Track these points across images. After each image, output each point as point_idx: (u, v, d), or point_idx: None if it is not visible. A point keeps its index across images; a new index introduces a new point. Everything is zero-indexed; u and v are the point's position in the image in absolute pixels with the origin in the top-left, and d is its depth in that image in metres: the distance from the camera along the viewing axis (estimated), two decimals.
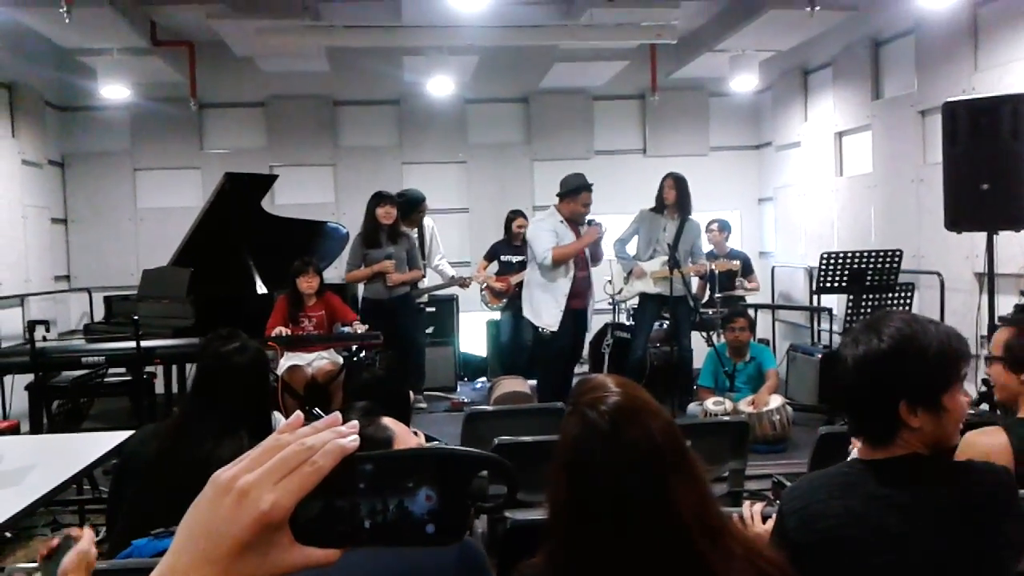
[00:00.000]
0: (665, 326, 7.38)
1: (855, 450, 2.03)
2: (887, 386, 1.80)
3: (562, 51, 8.40)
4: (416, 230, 7.62)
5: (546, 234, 6.38)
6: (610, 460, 1.42)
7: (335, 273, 7.62)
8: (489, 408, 6.04)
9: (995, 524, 1.77)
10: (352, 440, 0.73)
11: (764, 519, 2.20)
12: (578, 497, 1.44)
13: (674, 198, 6.76)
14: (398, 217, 6.98)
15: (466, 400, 7.70)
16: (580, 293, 6.45)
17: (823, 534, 1.78)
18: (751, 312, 7.63)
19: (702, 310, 7.31)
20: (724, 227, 8.36)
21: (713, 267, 7.35)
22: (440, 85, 8.47)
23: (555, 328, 6.38)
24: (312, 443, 0.72)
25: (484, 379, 8.48)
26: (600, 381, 1.53)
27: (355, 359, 6.20)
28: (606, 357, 7.31)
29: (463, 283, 7.70)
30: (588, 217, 6.47)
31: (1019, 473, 2.38)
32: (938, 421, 1.79)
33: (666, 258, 6.68)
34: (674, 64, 9.07)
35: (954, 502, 1.77)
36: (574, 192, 6.38)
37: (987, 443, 2.39)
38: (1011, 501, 1.80)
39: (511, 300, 7.89)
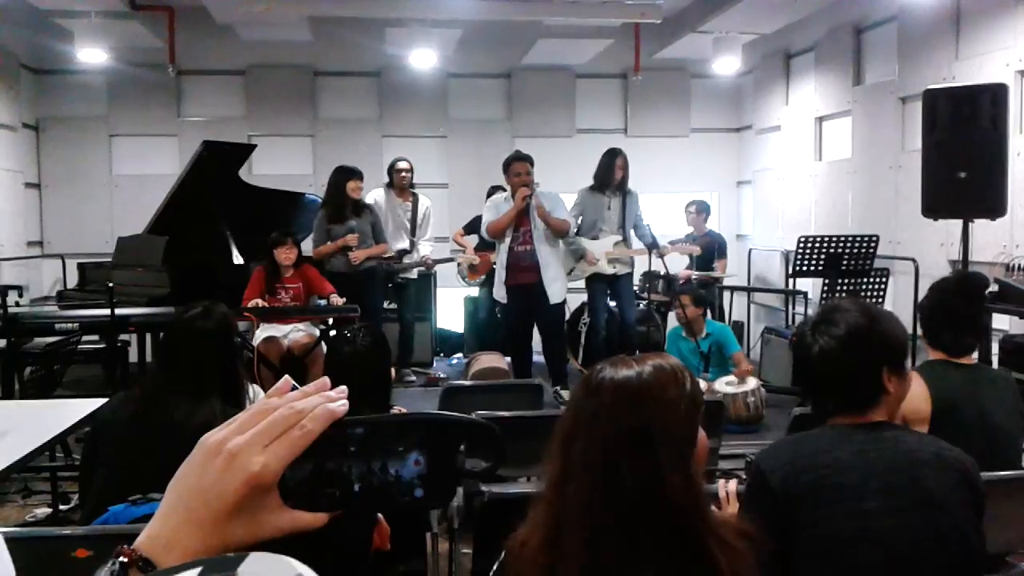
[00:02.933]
0: (641, 306, 7.40)
1: None
2: (874, 355, 2.01)
3: (546, 27, 8.36)
4: (410, 204, 7.59)
5: (487, 212, 6.62)
6: (605, 430, 1.45)
7: (309, 246, 7.56)
8: (467, 383, 6.04)
9: (960, 497, 1.91)
10: (342, 404, 0.73)
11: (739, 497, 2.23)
12: (570, 461, 1.46)
13: (622, 176, 6.80)
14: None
15: (442, 375, 7.70)
16: (525, 267, 6.41)
17: (813, 484, 1.90)
18: (727, 294, 7.67)
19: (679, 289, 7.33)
20: (702, 208, 8.36)
21: (674, 251, 7.40)
22: (422, 58, 8.41)
23: (502, 301, 6.57)
24: (301, 407, 0.73)
25: (460, 355, 8.48)
26: (627, 357, 1.52)
27: (334, 333, 6.16)
28: (582, 336, 7.33)
29: (428, 265, 7.63)
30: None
31: (935, 410, 2.72)
32: (902, 385, 2.05)
33: (616, 238, 6.74)
34: (657, 44, 9.06)
35: (931, 461, 1.93)
36: (506, 167, 6.51)
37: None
38: (975, 487, 1.94)
39: (489, 276, 7.88)
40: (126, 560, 0.69)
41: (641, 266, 7.34)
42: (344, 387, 0.76)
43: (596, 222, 6.82)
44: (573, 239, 6.81)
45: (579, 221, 6.87)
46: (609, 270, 6.81)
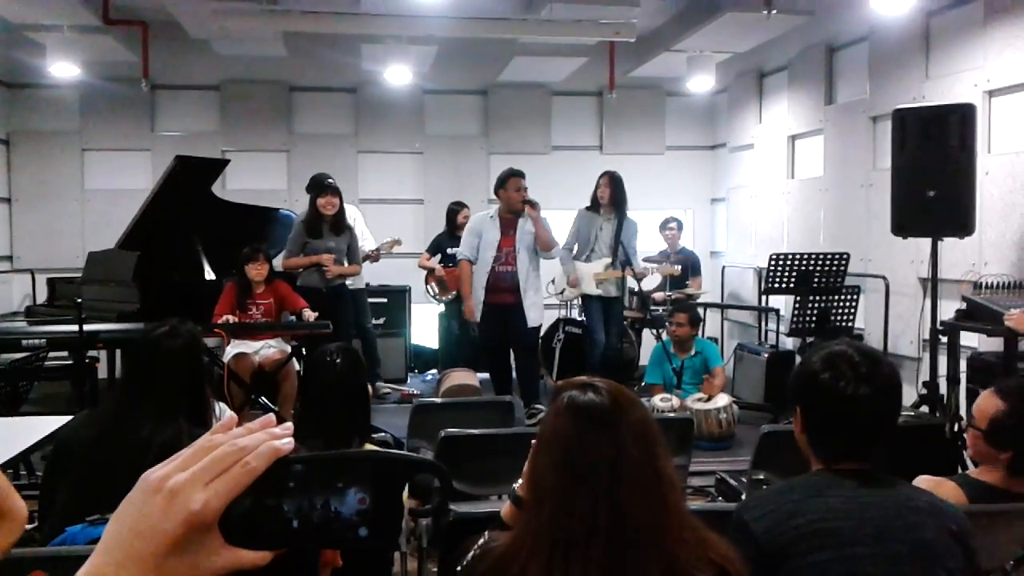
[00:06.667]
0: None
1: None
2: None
3: (522, 45, 8.38)
4: None
5: (468, 235, 6.52)
6: (611, 432, 1.47)
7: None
8: (437, 400, 6.04)
9: (954, 550, 1.86)
10: (286, 442, 0.72)
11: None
12: (571, 469, 1.47)
13: (608, 197, 6.81)
14: (341, 209, 6.86)
15: (416, 392, 7.68)
16: (504, 288, 6.32)
17: (801, 529, 1.84)
18: (700, 310, 7.69)
19: (653, 308, 7.35)
20: (681, 226, 8.49)
21: (656, 272, 7.41)
22: (398, 74, 8.40)
23: (475, 320, 6.45)
24: (245, 444, 0.72)
25: (434, 371, 8.46)
26: (583, 377, 1.61)
27: (308, 356, 6.07)
28: (556, 352, 7.33)
29: (374, 257, 7.54)
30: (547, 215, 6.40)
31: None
32: None
33: (606, 260, 6.74)
34: (632, 63, 9.11)
35: (927, 510, 1.90)
36: (501, 183, 6.43)
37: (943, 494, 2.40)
38: (967, 542, 1.89)
39: (459, 293, 7.86)
40: None
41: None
42: (289, 424, 0.75)
43: (588, 241, 6.85)
44: (567, 260, 6.86)
45: (575, 241, 6.93)
46: (596, 291, 6.81)
